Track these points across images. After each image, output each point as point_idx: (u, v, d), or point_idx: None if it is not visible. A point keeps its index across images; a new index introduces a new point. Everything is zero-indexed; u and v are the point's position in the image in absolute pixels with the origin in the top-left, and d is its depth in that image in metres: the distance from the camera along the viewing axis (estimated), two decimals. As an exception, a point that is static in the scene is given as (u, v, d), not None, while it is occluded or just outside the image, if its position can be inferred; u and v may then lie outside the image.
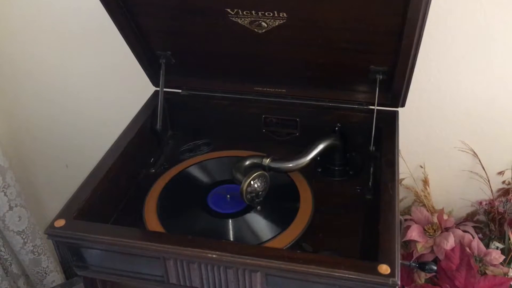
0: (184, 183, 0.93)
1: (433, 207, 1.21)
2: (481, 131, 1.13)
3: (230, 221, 0.84)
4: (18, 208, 1.28)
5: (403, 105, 0.94)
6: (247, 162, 0.89)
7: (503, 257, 1.07)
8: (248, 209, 0.85)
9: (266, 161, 0.88)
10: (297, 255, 0.67)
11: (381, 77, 0.89)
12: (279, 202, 0.87)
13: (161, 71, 1.00)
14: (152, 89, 1.06)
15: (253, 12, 0.81)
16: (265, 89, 1.00)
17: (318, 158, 0.93)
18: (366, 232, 0.82)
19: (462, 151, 1.17)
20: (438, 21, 0.98)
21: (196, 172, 0.96)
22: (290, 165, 0.88)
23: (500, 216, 1.17)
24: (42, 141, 1.48)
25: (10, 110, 1.42)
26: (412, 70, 0.85)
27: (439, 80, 1.08)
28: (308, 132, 1.00)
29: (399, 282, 0.62)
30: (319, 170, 0.97)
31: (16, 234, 1.30)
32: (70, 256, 0.76)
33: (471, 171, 1.19)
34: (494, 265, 1.06)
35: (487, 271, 1.06)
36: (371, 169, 0.92)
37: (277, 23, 0.83)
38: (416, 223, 1.13)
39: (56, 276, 1.48)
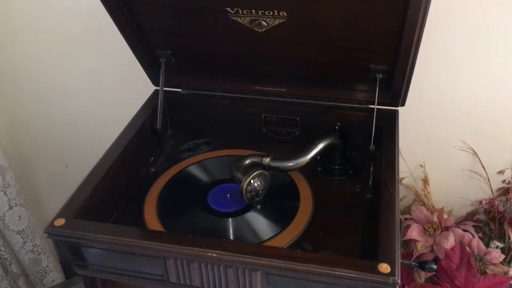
0: (184, 182, 0.93)
1: (433, 206, 1.21)
2: (481, 130, 1.13)
3: (230, 220, 0.84)
4: (18, 208, 1.28)
5: (403, 104, 0.94)
6: (247, 161, 0.89)
7: (503, 256, 1.07)
8: (248, 208, 0.85)
9: (266, 160, 0.88)
10: (297, 254, 0.67)
11: (381, 76, 0.89)
12: (279, 201, 0.87)
13: (161, 71, 1.00)
14: (152, 88, 1.06)
15: (253, 11, 0.81)
16: (265, 88, 1.00)
17: (318, 157, 0.93)
18: (366, 231, 0.82)
19: (462, 150, 1.17)
20: (438, 20, 0.98)
21: (196, 171, 0.96)
22: (290, 164, 0.88)
23: (500, 215, 1.17)
24: (42, 141, 1.48)
25: (10, 110, 1.42)
26: (412, 69, 0.85)
27: (439, 79, 1.08)
28: (308, 131, 1.00)
29: (399, 281, 0.62)
30: (319, 169, 0.97)
31: (16, 234, 1.30)
32: (70, 255, 0.76)
33: (471, 170, 1.19)
34: (494, 264, 1.06)
35: (487, 270, 1.06)
36: (371, 168, 0.92)
37: (277, 22, 0.83)
38: (416, 222, 1.13)
39: (56, 275, 1.48)
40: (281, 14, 0.80)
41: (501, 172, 1.17)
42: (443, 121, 1.14)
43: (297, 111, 1.00)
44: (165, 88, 1.02)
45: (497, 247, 1.12)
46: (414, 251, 1.09)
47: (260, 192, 0.82)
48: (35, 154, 1.52)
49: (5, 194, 1.23)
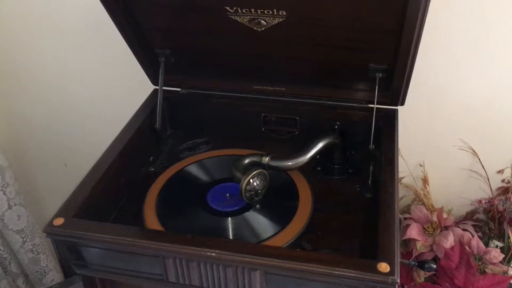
0: (184, 182, 0.93)
1: (432, 206, 1.20)
2: (481, 129, 1.13)
3: (229, 219, 0.83)
4: (17, 207, 1.28)
5: (402, 104, 0.94)
6: (246, 161, 0.89)
7: (503, 255, 1.08)
8: (248, 207, 0.85)
9: (266, 159, 0.88)
10: (296, 254, 0.67)
11: (380, 75, 0.89)
12: (278, 201, 0.87)
13: (160, 70, 0.99)
14: (151, 87, 1.06)
15: (253, 10, 0.80)
16: (264, 87, 1.00)
17: (318, 157, 0.93)
18: (365, 231, 0.82)
19: (461, 149, 1.16)
20: (437, 20, 0.98)
21: (195, 170, 0.96)
22: (290, 163, 0.88)
23: (499, 215, 1.17)
24: (41, 140, 1.48)
25: (9, 109, 1.42)
26: (412, 69, 0.85)
27: (439, 79, 1.08)
28: (308, 131, 1.00)
29: (398, 281, 0.62)
30: (319, 168, 0.97)
31: (15, 233, 1.30)
32: (69, 255, 0.76)
33: (471, 170, 1.19)
34: (494, 264, 1.06)
35: (486, 270, 1.06)
36: (371, 167, 0.92)
37: (276, 21, 0.82)
38: (415, 221, 1.13)
39: (55, 275, 1.48)
40: (280, 13, 0.80)
41: (500, 172, 1.17)
42: (443, 120, 1.14)
43: (297, 111, 1.00)
44: (164, 88, 1.02)
45: (496, 246, 1.12)
46: (413, 251, 1.09)
47: (260, 191, 0.82)
48: (34, 153, 1.52)
49: (4, 193, 1.23)
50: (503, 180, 1.18)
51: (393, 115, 0.95)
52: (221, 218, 0.84)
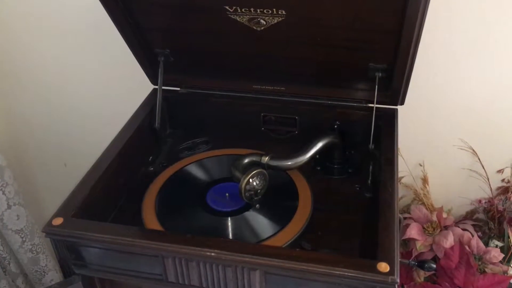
0: (183, 182, 0.93)
1: (432, 206, 1.20)
2: (481, 129, 1.13)
3: (229, 219, 0.83)
4: (17, 207, 1.28)
5: (402, 103, 0.94)
6: (246, 160, 0.89)
7: (503, 255, 1.08)
8: (247, 207, 0.84)
9: (265, 159, 0.88)
10: (296, 253, 0.67)
11: (380, 75, 0.89)
12: (278, 200, 0.87)
13: (160, 69, 0.99)
14: (150, 87, 1.06)
15: (252, 9, 0.80)
16: (264, 87, 1.00)
17: (317, 156, 0.93)
18: (365, 231, 0.82)
19: (461, 149, 1.16)
20: (437, 19, 0.98)
21: (194, 170, 0.96)
22: (289, 163, 0.88)
23: (499, 215, 1.17)
24: (41, 140, 1.47)
25: (9, 109, 1.42)
26: (411, 68, 0.85)
27: (439, 78, 1.08)
28: (307, 130, 1.00)
29: (398, 280, 0.62)
30: (318, 168, 0.97)
31: (14, 233, 1.30)
32: (68, 255, 0.76)
33: (471, 169, 1.19)
34: (494, 263, 1.06)
35: (486, 270, 1.06)
36: (370, 167, 0.92)
37: (276, 21, 0.82)
38: (415, 221, 1.12)
39: (54, 275, 1.48)
40: (280, 12, 0.80)
41: (500, 171, 1.17)
42: (443, 120, 1.14)
43: (296, 110, 1.00)
44: (163, 87, 1.01)
45: (496, 246, 1.12)
46: (413, 250, 1.09)
47: (259, 191, 0.82)
48: (34, 153, 1.52)
49: (3, 193, 1.23)
50: (503, 180, 1.18)
51: (393, 114, 0.95)
52: (220, 218, 0.84)
